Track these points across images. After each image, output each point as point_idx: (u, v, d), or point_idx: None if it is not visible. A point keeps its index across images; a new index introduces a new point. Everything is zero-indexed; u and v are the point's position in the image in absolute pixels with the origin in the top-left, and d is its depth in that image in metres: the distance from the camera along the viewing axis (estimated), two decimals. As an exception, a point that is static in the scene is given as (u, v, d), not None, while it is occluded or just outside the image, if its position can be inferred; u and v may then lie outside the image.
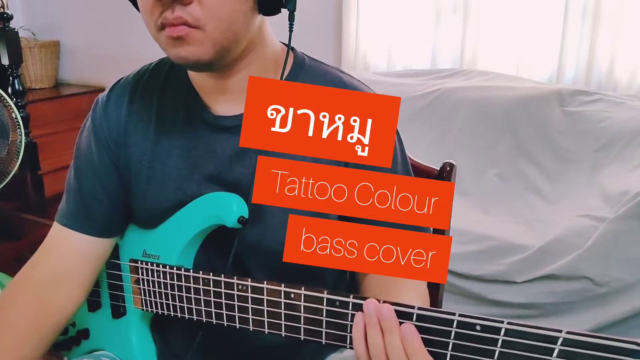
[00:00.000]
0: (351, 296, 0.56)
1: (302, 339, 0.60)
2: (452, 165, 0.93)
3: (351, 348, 0.57)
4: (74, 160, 0.80)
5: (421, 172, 0.94)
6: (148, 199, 0.77)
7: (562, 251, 1.58)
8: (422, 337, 0.52)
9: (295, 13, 0.68)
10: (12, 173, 2.03)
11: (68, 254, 0.78)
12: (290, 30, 0.70)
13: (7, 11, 2.46)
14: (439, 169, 0.94)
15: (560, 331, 0.45)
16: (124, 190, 0.79)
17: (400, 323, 0.53)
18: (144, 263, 0.75)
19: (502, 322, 0.49)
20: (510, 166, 2.04)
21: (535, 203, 1.91)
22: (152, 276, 0.74)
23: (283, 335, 0.61)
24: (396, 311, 0.53)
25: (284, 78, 0.73)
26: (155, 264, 0.74)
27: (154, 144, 0.76)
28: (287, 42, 0.73)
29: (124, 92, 0.79)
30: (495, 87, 2.17)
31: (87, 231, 0.78)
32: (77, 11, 3.33)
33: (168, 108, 0.77)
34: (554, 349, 0.45)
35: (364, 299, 0.55)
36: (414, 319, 0.53)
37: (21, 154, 2.04)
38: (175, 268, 0.71)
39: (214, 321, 0.68)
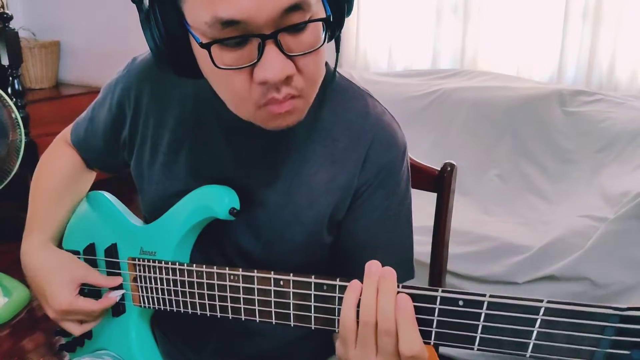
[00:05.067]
0: (338, 279, 0.56)
1: (292, 325, 0.60)
2: (452, 166, 0.93)
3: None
4: (101, 91, 0.85)
5: (422, 172, 0.94)
6: (153, 182, 0.78)
7: (563, 252, 1.57)
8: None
9: None
10: (13, 172, 2.03)
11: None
12: (337, 53, 0.67)
13: (7, 11, 2.46)
14: (439, 169, 0.94)
15: (541, 301, 0.45)
16: (124, 152, 0.84)
17: None
18: (141, 260, 0.76)
19: (484, 295, 0.49)
20: (510, 166, 2.03)
21: (535, 203, 1.91)
22: (149, 272, 0.75)
23: (274, 322, 0.62)
24: None
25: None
26: (151, 261, 0.74)
27: (172, 132, 0.77)
28: None
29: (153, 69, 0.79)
30: (495, 87, 2.17)
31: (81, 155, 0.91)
32: (77, 11, 3.33)
33: (191, 103, 0.76)
34: (537, 319, 0.45)
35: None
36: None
37: (21, 153, 2.04)
38: (170, 263, 0.72)
39: (208, 313, 0.68)
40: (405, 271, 0.75)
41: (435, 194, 0.94)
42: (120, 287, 0.80)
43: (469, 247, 1.68)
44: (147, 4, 0.59)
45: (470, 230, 1.73)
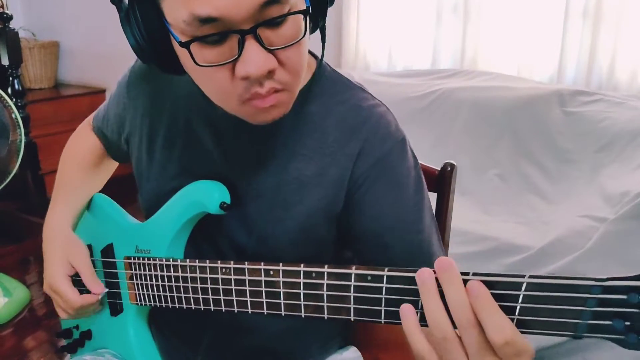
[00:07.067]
0: (326, 266, 0.56)
1: (282, 314, 0.60)
2: (452, 166, 0.93)
3: (329, 319, 0.57)
4: (118, 83, 0.86)
5: (422, 172, 0.94)
6: (150, 180, 0.80)
7: (563, 252, 1.57)
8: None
9: None
10: (13, 173, 2.03)
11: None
12: (323, 43, 0.67)
13: (7, 11, 2.46)
14: (439, 169, 0.94)
15: (523, 276, 0.45)
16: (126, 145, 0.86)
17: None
18: (136, 258, 0.77)
19: (467, 274, 0.47)
20: (510, 166, 2.03)
21: (535, 203, 1.91)
22: (144, 270, 0.75)
23: (265, 313, 0.62)
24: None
25: (300, 89, 0.70)
26: (146, 258, 0.75)
27: (166, 129, 0.78)
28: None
29: (146, 74, 0.80)
30: (495, 87, 2.17)
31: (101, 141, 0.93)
32: (77, 12, 3.33)
33: (183, 102, 0.77)
34: (519, 295, 0.45)
35: (339, 268, 0.55)
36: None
37: (21, 153, 2.04)
38: (163, 260, 0.72)
39: (202, 307, 0.69)
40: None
41: (435, 194, 0.94)
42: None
43: (469, 247, 1.68)
44: (127, 3, 0.59)
45: (470, 229, 1.73)
